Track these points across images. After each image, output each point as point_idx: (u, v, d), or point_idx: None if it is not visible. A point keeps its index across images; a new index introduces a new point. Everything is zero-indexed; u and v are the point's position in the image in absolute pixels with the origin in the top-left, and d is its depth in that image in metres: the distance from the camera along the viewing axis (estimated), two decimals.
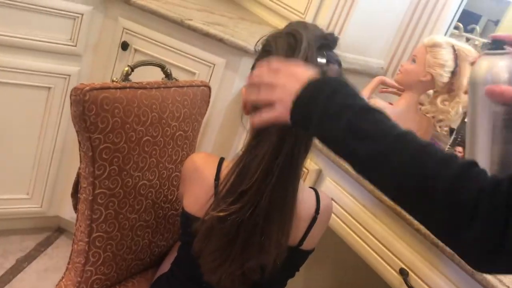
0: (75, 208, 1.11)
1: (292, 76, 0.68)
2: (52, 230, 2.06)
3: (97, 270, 1.08)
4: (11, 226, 1.95)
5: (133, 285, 1.17)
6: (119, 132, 1.01)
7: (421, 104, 1.68)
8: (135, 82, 1.06)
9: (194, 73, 1.63)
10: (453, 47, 1.53)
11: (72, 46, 1.63)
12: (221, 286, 0.89)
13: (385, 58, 1.96)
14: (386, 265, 1.19)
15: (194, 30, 1.56)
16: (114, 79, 1.03)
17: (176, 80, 1.17)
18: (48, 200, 1.89)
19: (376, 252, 1.21)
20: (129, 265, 1.15)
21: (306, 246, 0.95)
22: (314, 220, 0.94)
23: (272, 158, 0.82)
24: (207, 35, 1.56)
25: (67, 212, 1.94)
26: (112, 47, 1.67)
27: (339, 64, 0.89)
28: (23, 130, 1.70)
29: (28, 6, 1.51)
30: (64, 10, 1.57)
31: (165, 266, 1.16)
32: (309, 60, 0.80)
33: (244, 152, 0.87)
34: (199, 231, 0.87)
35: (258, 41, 0.91)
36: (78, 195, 1.06)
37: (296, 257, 0.97)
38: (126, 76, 1.05)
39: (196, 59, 1.62)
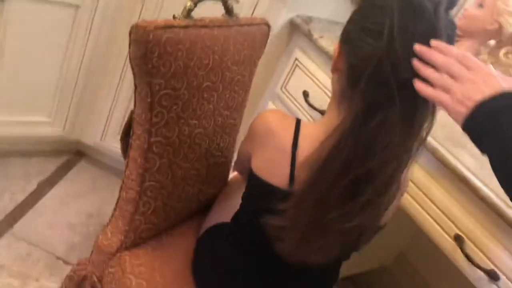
0: (124, 152, 1.04)
1: (486, 79, 0.67)
2: (72, 154, 2.00)
3: (146, 219, 1.02)
4: (31, 148, 1.88)
5: (180, 234, 1.12)
6: (180, 77, 0.91)
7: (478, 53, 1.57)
8: (197, 20, 0.94)
9: (238, 1, 1.48)
10: None
11: None
12: (296, 258, 0.84)
13: None
14: (440, 230, 1.15)
15: None
16: (176, 15, 0.91)
17: (237, 17, 1.05)
18: (71, 124, 1.80)
19: (431, 216, 1.16)
20: (177, 214, 1.09)
21: (383, 221, 0.90)
22: (395, 195, 0.87)
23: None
24: None
25: (89, 137, 1.86)
26: None
27: (456, 28, 0.78)
28: (47, 50, 1.57)
29: None
30: None
31: (214, 216, 1.11)
32: (436, 24, 0.69)
33: (343, 126, 0.76)
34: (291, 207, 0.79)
35: None
36: (130, 140, 0.98)
37: (373, 234, 0.91)
38: (188, 13, 0.92)
39: None
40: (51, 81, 1.65)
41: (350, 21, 0.81)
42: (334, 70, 0.83)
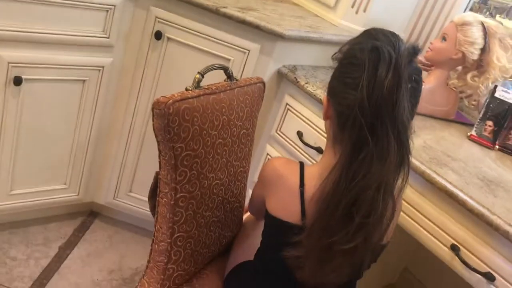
0: (152, 210, 1.17)
1: None
2: (86, 215, 2.11)
3: (178, 267, 1.15)
4: (47, 214, 1.99)
5: (207, 276, 1.24)
6: (198, 139, 1.06)
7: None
8: (205, 88, 1.09)
9: (229, 60, 1.65)
10: (482, 24, 1.59)
11: (105, 38, 1.63)
12: (314, 281, 0.97)
13: (405, 31, 2.00)
14: (437, 241, 1.28)
15: (229, 17, 1.57)
16: (188, 87, 1.06)
17: (237, 80, 1.20)
18: (84, 188, 1.93)
19: (427, 230, 1.30)
20: (203, 258, 1.22)
21: (385, 240, 1.03)
22: (393, 214, 1.00)
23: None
24: (243, 22, 1.57)
25: (102, 198, 1.98)
26: (144, 36, 1.67)
27: (421, 72, 0.94)
28: (59, 124, 1.72)
29: (60, 2, 1.49)
30: (96, 3, 1.55)
31: (236, 256, 1.24)
32: (400, 75, 0.84)
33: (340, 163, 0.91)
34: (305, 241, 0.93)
35: (336, 53, 0.95)
36: (157, 198, 1.11)
37: (378, 252, 1.05)
38: (198, 83, 1.07)
39: (230, 45, 1.63)
40: (65, 151, 1.79)
41: (333, 77, 0.96)
42: (326, 117, 0.99)
